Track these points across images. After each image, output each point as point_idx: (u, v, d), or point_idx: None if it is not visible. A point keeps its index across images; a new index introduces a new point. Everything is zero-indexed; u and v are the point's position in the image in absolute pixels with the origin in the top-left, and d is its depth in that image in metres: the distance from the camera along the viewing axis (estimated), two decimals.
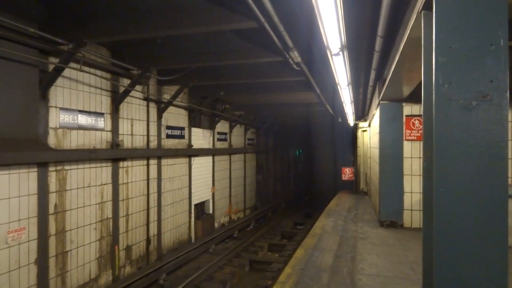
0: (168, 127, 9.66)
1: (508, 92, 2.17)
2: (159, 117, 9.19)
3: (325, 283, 4.42)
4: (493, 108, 2.19)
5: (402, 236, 6.65)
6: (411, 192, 7.32)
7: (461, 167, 2.24)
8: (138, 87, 7.95)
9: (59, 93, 6.15)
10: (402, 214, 7.42)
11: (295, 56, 5.98)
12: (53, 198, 6.02)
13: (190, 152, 10.76)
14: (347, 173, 13.75)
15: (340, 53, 4.41)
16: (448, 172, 2.25)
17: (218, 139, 13.20)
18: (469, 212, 2.22)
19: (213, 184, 12.62)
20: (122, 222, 7.77)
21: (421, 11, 2.81)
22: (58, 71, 5.85)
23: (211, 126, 12.60)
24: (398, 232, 7.00)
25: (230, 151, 14.18)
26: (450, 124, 2.25)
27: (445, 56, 2.28)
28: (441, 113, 2.28)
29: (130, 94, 7.78)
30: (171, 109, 9.67)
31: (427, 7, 2.65)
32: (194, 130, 11.24)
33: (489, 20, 2.21)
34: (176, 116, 10.09)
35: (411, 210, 7.35)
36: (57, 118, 6.10)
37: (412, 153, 7.36)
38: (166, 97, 9.32)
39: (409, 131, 7.35)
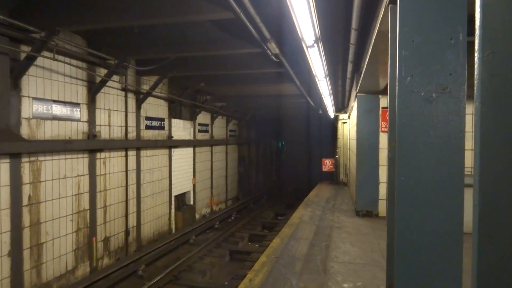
0: (148, 118, 9.57)
1: (466, 85, 2.25)
2: (138, 107, 9.09)
3: (298, 270, 4.53)
4: (452, 100, 2.27)
5: (376, 225, 6.84)
6: (387, 183, 7.50)
7: (421, 157, 2.32)
8: (115, 77, 7.82)
9: (32, 83, 6.00)
10: (378, 203, 7.62)
11: (273, 47, 6.00)
12: (27, 190, 5.91)
13: (170, 143, 10.70)
14: (327, 164, 13.95)
15: (315, 45, 4.45)
16: (409, 161, 2.34)
17: (200, 131, 13.15)
18: (428, 200, 2.31)
19: (194, 175, 12.60)
20: (99, 213, 7.70)
21: (388, 5, 2.88)
22: (30, 60, 5.70)
23: (192, 117, 12.53)
24: (373, 221, 7.19)
25: (211, 143, 14.16)
26: (411, 115, 2.32)
27: (408, 49, 2.34)
28: (403, 105, 2.35)
29: (108, 84, 7.65)
30: (150, 99, 9.56)
31: (393, 0, 2.71)
32: (175, 121, 11.16)
33: (450, 15, 2.27)
34: (155, 107, 9.99)
35: (386, 200, 7.54)
36: (30, 108, 5.96)
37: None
38: (145, 87, 9.21)
39: (385, 123, 7.51)
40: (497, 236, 1.39)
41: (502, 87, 1.22)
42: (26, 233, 5.93)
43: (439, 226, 2.31)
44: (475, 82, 1.29)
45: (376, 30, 3.65)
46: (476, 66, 1.28)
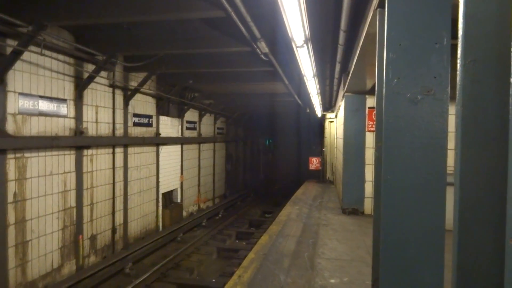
0: (135, 115, 9.51)
1: (449, 88, 2.35)
2: (126, 104, 9.02)
3: (286, 267, 4.61)
4: (436, 102, 2.37)
5: (362, 223, 6.98)
6: (372, 181, 7.65)
7: (406, 156, 2.40)
8: (103, 73, 7.76)
9: (18, 78, 5.91)
10: (363, 201, 7.77)
11: (263, 46, 6.05)
12: (12, 187, 5.83)
13: (158, 141, 10.66)
14: (314, 162, 14.10)
15: (305, 45, 4.53)
16: (394, 160, 2.42)
17: (187, 128, 13.12)
18: (412, 198, 2.40)
19: (182, 173, 12.58)
20: (86, 211, 7.64)
21: (376, 8, 2.96)
22: (16, 55, 5.61)
23: (180, 115, 12.49)
24: (359, 219, 7.34)
25: (199, 140, 14.14)
26: (397, 116, 2.41)
27: (395, 52, 2.43)
28: (390, 106, 2.43)
29: (95, 80, 7.58)
30: (138, 96, 9.50)
31: (381, 5, 2.80)
32: (162, 118, 11.11)
33: (435, 20, 2.37)
34: (143, 104, 9.93)
35: (372, 198, 7.68)
36: (16, 103, 5.87)
37: (374, 143, 7.68)
38: (133, 84, 9.15)
39: (371, 123, 7.65)
40: (475, 232, 1.47)
41: (481, 92, 1.31)
42: (11, 231, 5.85)
43: (422, 223, 2.40)
44: (457, 87, 1.37)
45: (365, 32, 3.74)
46: (458, 72, 1.36)
